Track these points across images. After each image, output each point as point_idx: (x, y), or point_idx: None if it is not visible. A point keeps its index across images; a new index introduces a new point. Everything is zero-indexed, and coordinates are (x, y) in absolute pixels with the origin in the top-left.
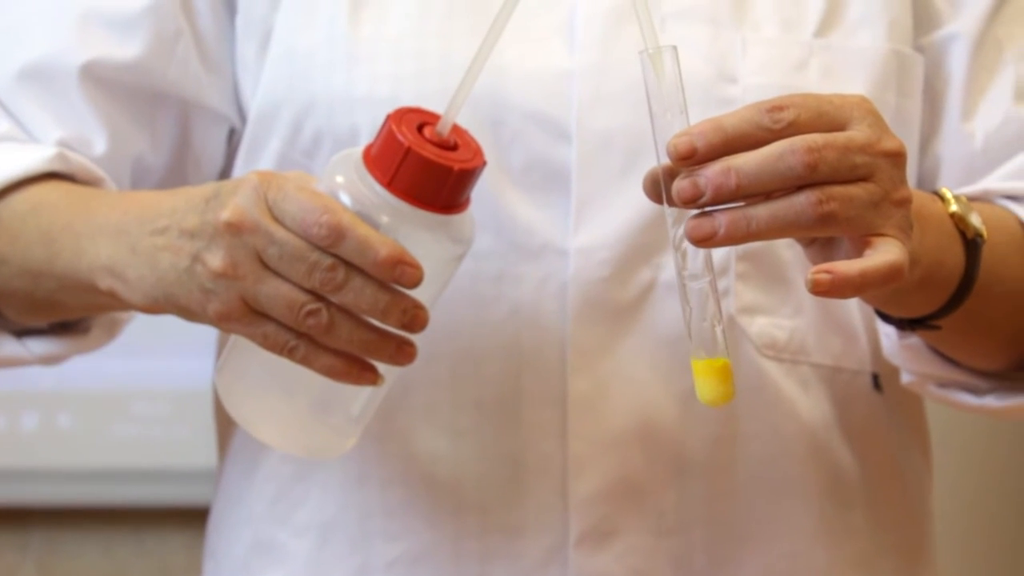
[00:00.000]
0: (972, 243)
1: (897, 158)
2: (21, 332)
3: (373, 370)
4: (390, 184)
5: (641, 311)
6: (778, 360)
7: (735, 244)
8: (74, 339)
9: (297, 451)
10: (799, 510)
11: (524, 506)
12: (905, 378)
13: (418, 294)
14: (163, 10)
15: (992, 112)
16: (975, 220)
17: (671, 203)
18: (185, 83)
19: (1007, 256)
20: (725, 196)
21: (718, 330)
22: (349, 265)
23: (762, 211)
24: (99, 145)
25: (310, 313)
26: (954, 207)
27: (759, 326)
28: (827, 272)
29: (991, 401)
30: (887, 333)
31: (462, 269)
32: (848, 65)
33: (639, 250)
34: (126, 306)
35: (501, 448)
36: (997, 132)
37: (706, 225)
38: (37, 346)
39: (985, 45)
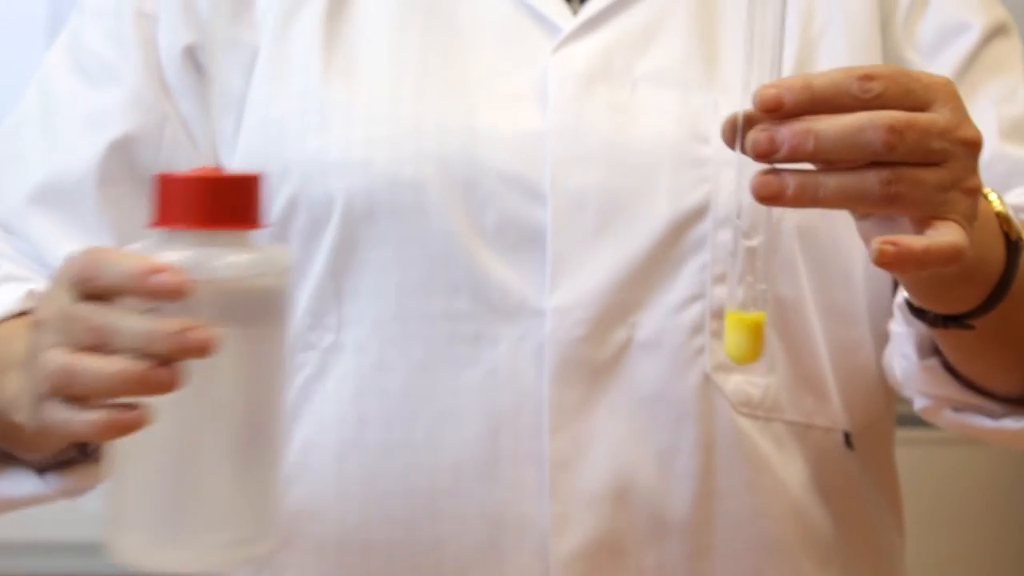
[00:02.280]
0: (1014, 244)
1: (974, 147)
2: (41, 468)
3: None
4: (157, 221)
5: (618, 370)
6: (753, 417)
7: (798, 207)
8: (88, 468)
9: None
10: (779, 568)
11: (504, 567)
12: (919, 403)
13: (242, 325)
14: (144, 100)
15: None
16: (1016, 223)
17: (744, 150)
18: (178, 165)
19: None
20: (800, 157)
21: (759, 287)
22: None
23: (832, 180)
24: None
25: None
26: (999, 207)
27: (734, 383)
28: (893, 244)
29: (1009, 423)
30: (906, 355)
31: (438, 332)
32: None
33: (615, 309)
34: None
35: (480, 509)
36: (986, 169)
37: (774, 183)
38: (55, 481)
39: (960, 91)
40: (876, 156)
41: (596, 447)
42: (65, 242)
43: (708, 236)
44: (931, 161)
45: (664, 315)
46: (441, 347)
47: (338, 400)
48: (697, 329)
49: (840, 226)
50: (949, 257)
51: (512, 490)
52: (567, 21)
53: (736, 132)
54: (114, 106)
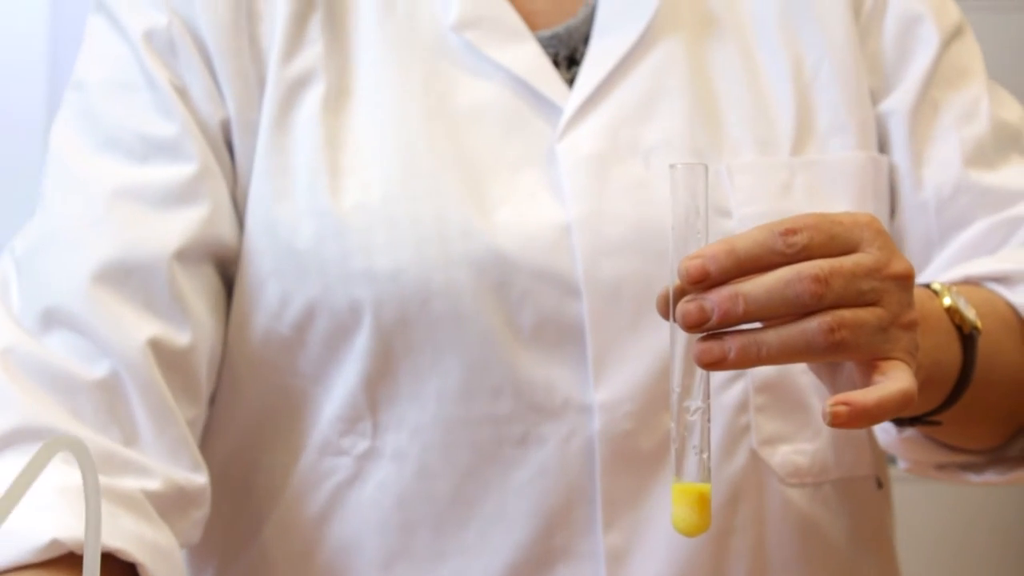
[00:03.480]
0: (968, 337)
1: (905, 280)
2: None
3: None
4: None
5: (667, 457)
6: (801, 486)
7: (742, 368)
8: None
9: None
10: None
11: None
12: (903, 464)
13: None
14: (214, 174)
15: (942, 180)
16: (970, 314)
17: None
18: (234, 245)
19: (1000, 341)
20: (731, 322)
21: (702, 457)
22: None
23: (772, 338)
24: (184, 337)
25: None
26: (948, 300)
27: (782, 455)
28: (845, 404)
29: (992, 477)
30: (884, 428)
31: (483, 436)
32: (829, 180)
33: (660, 398)
34: None
35: None
36: (951, 200)
37: (716, 349)
38: None
39: (922, 113)
40: (807, 308)
41: (651, 537)
42: (139, 323)
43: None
44: (865, 302)
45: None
46: (487, 450)
47: (379, 507)
48: (742, 407)
49: None
50: (900, 405)
51: None
52: (564, 98)
53: (668, 306)
54: (187, 181)
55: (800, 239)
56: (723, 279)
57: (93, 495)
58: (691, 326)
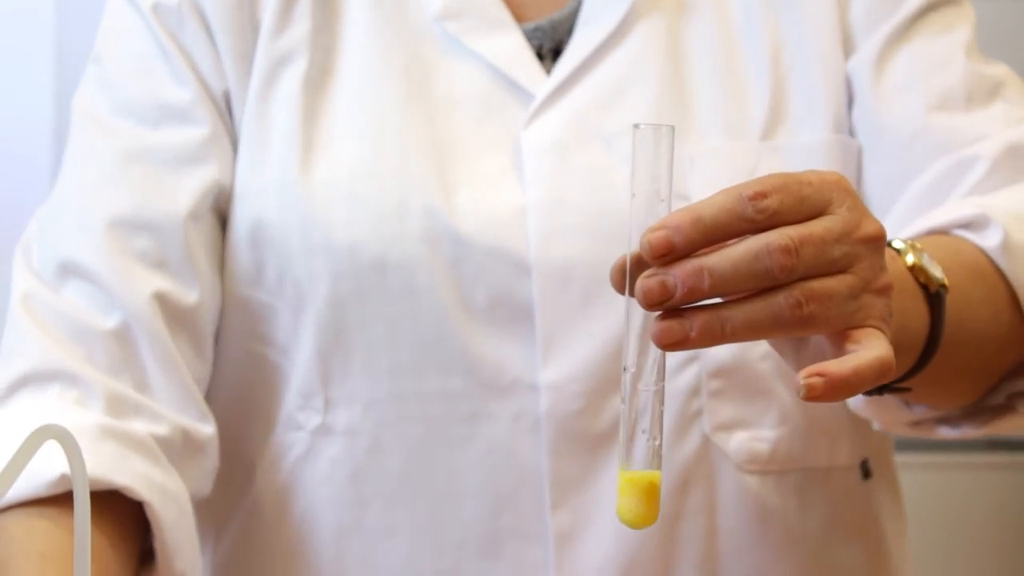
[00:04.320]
0: (935, 296)
1: (877, 242)
2: None
3: None
4: None
5: (616, 439)
6: (763, 473)
7: (706, 347)
8: None
9: None
10: None
11: None
12: (876, 425)
13: None
14: (221, 139)
15: (901, 126)
16: (936, 271)
17: (632, 294)
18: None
19: (969, 295)
20: (696, 299)
21: (653, 443)
22: None
23: (737, 314)
24: (192, 295)
25: None
26: (911, 258)
27: (738, 441)
28: (819, 375)
29: (969, 430)
30: None
31: (434, 412)
32: (796, 164)
33: (610, 379)
34: None
35: None
36: (909, 145)
37: (677, 329)
38: None
39: (886, 63)
40: (776, 281)
41: (599, 519)
42: (148, 277)
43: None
44: (836, 269)
45: (638, 356)
46: (438, 427)
47: (333, 483)
48: (694, 392)
49: None
50: (878, 374)
51: (516, 566)
52: (540, 87)
53: (624, 277)
54: (199, 144)
55: (770, 203)
56: (688, 251)
57: (80, 481)
58: (652, 304)
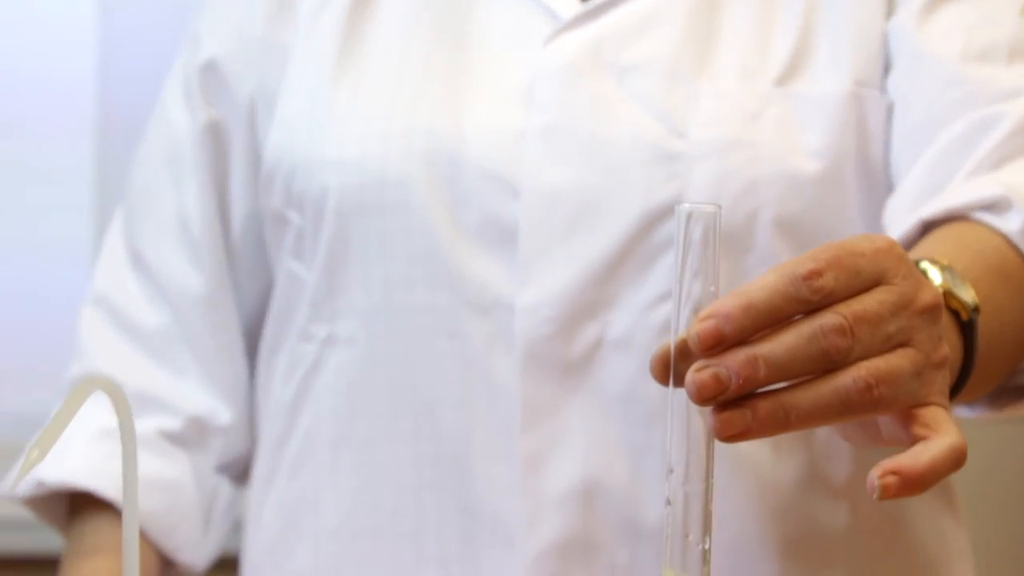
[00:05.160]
0: (968, 323)
1: (934, 313)
2: None
3: None
4: None
5: (589, 368)
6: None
7: (769, 436)
8: None
9: None
10: (758, 568)
11: (480, 561)
12: None
13: None
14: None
15: (934, 75)
16: (967, 295)
17: (678, 385)
18: None
19: (1000, 304)
20: (751, 389)
21: (701, 548)
22: None
23: (803, 401)
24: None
25: None
26: (939, 280)
27: None
28: (894, 474)
29: (987, 412)
30: None
31: (420, 326)
32: (805, 113)
33: (585, 307)
34: None
35: (458, 502)
36: (940, 95)
37: (738, 420)
38: None
39: (928, 19)
40: (832, 363)
41: (567, 446)
42: (189, 272)
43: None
44: (893, 344)
45: (635, 313)
46: (422, 341)
47: (333, 393)
48: (668, 328)
49: (829, 212)
50: (953, 465)
51: (486, 486)
52: (570, 12)
53: (667, 368)
54: None
55: (826, 282)
56: (739, 340)
57: (128, 432)
58: (706, 399)
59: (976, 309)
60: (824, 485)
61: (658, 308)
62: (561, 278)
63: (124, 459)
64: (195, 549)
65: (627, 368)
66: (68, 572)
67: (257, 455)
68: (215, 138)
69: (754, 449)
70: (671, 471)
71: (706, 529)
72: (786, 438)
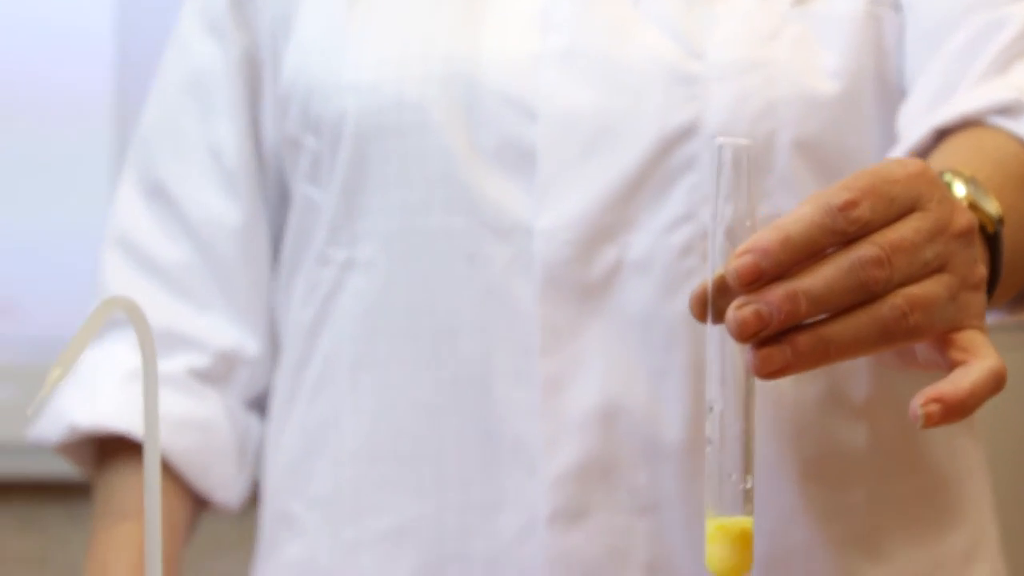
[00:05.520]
0: (993, 236)
1: (969, 236)
2: None
3: None
4: None
5: (609, 291)
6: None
7: (810, 369)
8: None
9: None
10: (777, 490)
11: (500, 483)
12: None
13: None
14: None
15: None
16: (990, 206)
17: (717, 322)
18: None
19: (1021, 209)
20: (792, 323)
21: (743, 487)
22: None
23: (842, 333)
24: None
25: None
26: (964, 192)
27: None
28: (937, 401)
29: (1000, 317)
30: None
31: (438, 250)
32: (822, 34)
33: (604, 229)
34: None
35: (478, 426)
36: (947, 2)
37: (778, 356)
38: None
39: None
40: (872, 293)
41: (587, 369)
42: (223, 203)
43: (698, 155)
44: (930, 271)
45: (654, 236)
46: (440, 265)
47: (353, 316)
48: (687, 250)
49: (847, 133)
50: (994, 388)
51: (506, 409)
52: None
53: (705, 305)
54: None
55: (862, 212)
56: (778, 274)
57: (149, 353)
58: (748, 336)
59: (1000, 221)
60: (844, 406)
61: (677, 230)
62: (579, 201)
63: (145, 381)
64: (231, 488)
65: (646, 290)
66: (100, 535)
67: (275, 379)
68: (248, 67)
69: None
70: (711, 409)
71: (747, 468)
72: None
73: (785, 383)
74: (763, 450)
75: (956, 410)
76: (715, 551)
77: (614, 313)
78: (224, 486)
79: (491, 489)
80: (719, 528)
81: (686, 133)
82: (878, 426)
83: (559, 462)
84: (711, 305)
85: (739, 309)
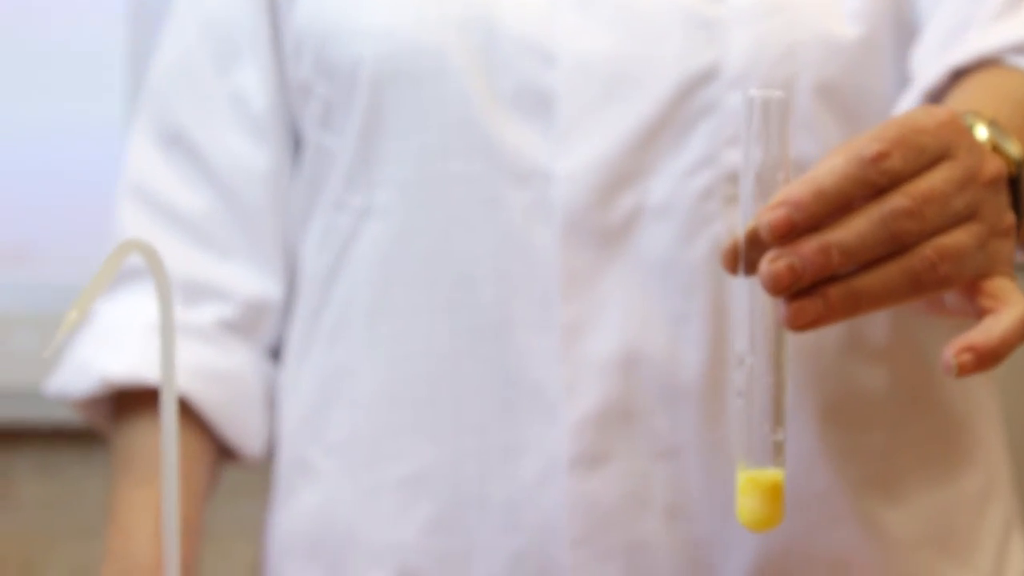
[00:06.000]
0: (1016, 180)
1: (998, 183)
2: None
3: None
4: None
5: (629, 236)
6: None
7: (841, 321)
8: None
9: None
10: (794, 433)
11: (520, 429)
12: None
13: None
14: None
15: None
16: (1012, 147)
17: (749, 274)
18: None
19: None
20: (824, 276)
21: (774, 439)
22: None
23: (873, 284)
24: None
25: None
26: (986, 135)
27: None
28: (968, 351)
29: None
30: None
31: (456, 196)
32: None
33: (624, 174)
34: None
35: (497, 372)
36: None
37: (810, 308)
38: None
39: None
40: (903, 245)
41: (607, 314)
42: (249, 148)
43: (718, 100)
44: (960, 219)
45: (674, 180)
46: (458, 211)
47: (370, 263)
48: (708, 194)
49: (867, 77)
50: None
51: (525, 355)
52: None
53: (737, 258)
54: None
55: (893, 163)
56: (811, 227)
57: (165, 297)
58: (781, 290)
59: (1022, 163)
60: (863, 349)
61: (698, 175)
62: (599, 146)
63: (162, 322)
64: (258, 438)
65: (666, 235)
66: (122, 497)
67: (291, 327)
68: (270, 8)
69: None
70: (742, 362)
71: (778, 420)
72: None
73: None
74: None
75: (988, 358)
76: (746, 503)
77: (634, 258)
78: (254, 437)
79: (510, 435)
80: (750, 480)
81: (706, 77)
82: (897, 369)
83: (579, 407)
84: (743, 257)
85: (773, 263)
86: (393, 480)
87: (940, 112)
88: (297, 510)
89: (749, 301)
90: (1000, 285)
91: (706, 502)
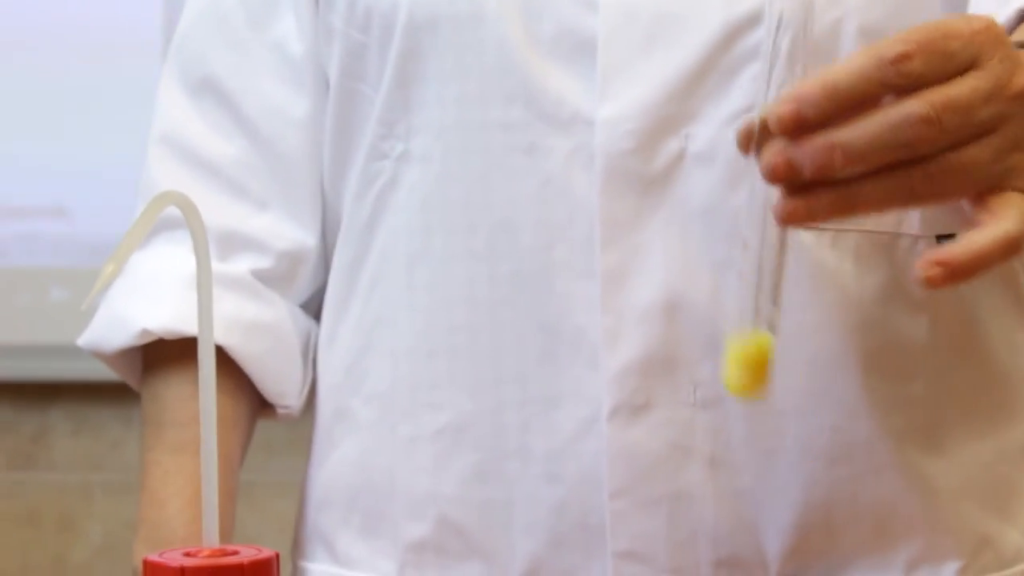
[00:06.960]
0: None
1: None
2: None
3: None
4: None
5: (671, 183)
6: (819, 230)
7: (833, 220)
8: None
9: None
10: (838, 383)
11: (560, 378)
12: None
13: None
14: None
15: None
16: None
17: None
18: None
19: None
20: (826, 177)
21: (766, 311)
22: None
23: (870, 193)
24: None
25: None
26: None
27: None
28: (940, 264)
29: None
30: None
31: (495, 142)
32: None
33: (666, 121)
34: None
35: (537, 320)
36: None
37: (802, 210)
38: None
39: None
40: (916, 153)
41: (648, 261)
42: (287, 95)
43: (762, 44)
44: (982, 132)
45: (717, 127)
46: (498, 157)
47: (408, 210)
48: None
49: (911, 20)
50: (1004, 254)
51: (566, 302)
52: None
53: (750, 140)
54: None
55: (915, 66)
56: (821, 123)
57: (202, 248)
58: (778, 180)
59: None
60: (905, 298)
61: (740, 121)
62: (642, 92)
63: (199, 275)
64: (296, 392)
65: (709, 182)
66: (153, 466)
67: (330, 279)
68: None
69: (835, 263)
70: (746, 247)
71: (776, 301)
72: (868, 252)
73: (847, 276)
74: (825, 343)
75: (959, 272)
76: (731, 370)
77: (676, 205)
78: (292, 390)
79: (551, 384)
80: (736, 346)
81: (751, 22)
82: (939, 318)
83: (621, 355)
84: (755, 144)
85: (773, 155)
86: (432, 430)
87: (977, 19)
88: (337, 460)
89: (753, 186)
90: (1005, 200)
91: (749, 452)
